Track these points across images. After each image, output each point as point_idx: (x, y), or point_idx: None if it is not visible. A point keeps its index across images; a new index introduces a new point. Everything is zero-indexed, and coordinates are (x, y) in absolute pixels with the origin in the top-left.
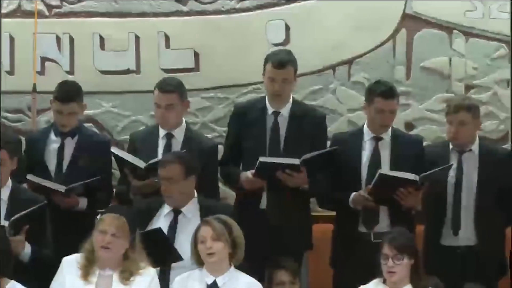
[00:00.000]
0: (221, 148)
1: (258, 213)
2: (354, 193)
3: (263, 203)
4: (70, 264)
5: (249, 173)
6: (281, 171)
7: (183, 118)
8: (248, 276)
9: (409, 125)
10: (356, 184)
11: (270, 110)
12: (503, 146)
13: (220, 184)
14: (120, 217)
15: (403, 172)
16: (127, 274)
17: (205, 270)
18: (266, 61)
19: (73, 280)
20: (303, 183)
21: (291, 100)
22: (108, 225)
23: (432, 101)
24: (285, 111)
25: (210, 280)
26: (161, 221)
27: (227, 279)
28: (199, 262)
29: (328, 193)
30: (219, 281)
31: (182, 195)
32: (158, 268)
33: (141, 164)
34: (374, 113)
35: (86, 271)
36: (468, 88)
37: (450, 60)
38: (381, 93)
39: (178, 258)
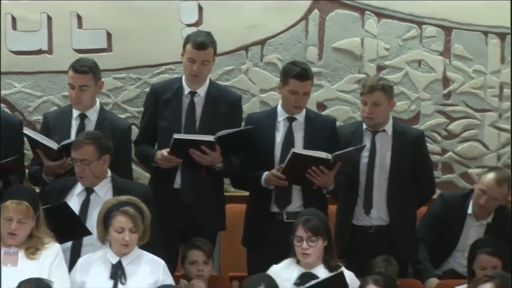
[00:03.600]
0: (134, 128)
1: (172, 192)
2: (267, 172)
3: (177, 183)
4: None
5: (164, 151)
6: (196, 149)
7: (96, 99)
8: (151, 254)
9: (321, 106)
10: (269, 164)
11: (186, 90)
12: (414, 126)
13: (134, 165)
14: (23, 203)
15: (316, 151)
16: (32, 250)
17: (110, 251)
18: (186, 41)
19: None
20: (217, 161)
21: (207, 81)
22: (13, 212)
23: (344, 82)
24: (202, 91)
25: (115, 260)
26: (74, 200)
27: (132, 259)
28: (105, 240)
29: (241, 173)
30: (124, 261)
31: (95, 175)
32: (70, 245)
33: (53, 145)
34: (288, 94)
35: None
36: (380, 68)
37: (362, 40)
38: (296, 75)
39: (86, 232)
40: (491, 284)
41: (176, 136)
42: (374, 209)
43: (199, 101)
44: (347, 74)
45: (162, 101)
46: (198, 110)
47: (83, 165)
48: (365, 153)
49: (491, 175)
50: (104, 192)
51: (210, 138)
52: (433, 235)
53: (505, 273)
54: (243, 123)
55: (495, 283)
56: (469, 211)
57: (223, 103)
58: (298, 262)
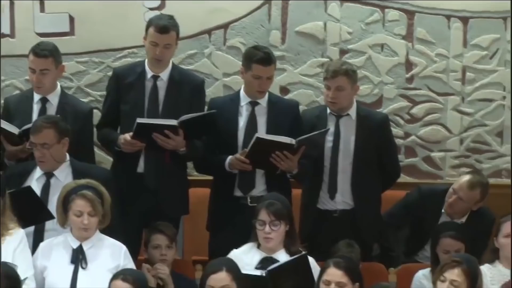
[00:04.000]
0: (96, 112)
1: (136, 177)
2: (230, 156)
3: (141, 167)
4: None
5: (127, 135)
6: (159, 133)
7: (57, 83)
8: (112, 239)
9: (284, 89)
10: (233, 148)
11: (149, 74)
12: (378, 110)
13: (96, 149)
14: None
15: (280, 136)
16: None
17: (71, 235)
18: (149, 25)
19: None
20: (180, 146)
21: (170, 64)
22: None
23: (307, 66)
24: (164, 75)
25: (75, 244)
26: (34, 185)
27: (93, 243)
28: (65, 224)
29: (205, 157)
30: (85, 246)
31: (55, 159)
32: (33, 230)
33: (14, 129)
34: (252, 79)
35: None
36: (342, 52)
37: (325, 24)
38: (259, 59)
39: (50, 216)
40: (459, 269)
41: (139, 120)
42: (338, 193)
43: (162, 85)
44: (310, 58)
45: (125, 85)
46: (161, 94)
47: (43, 149)
48: (329, 138)
49: (466, 177)
50: (64, 176)
51: (173, 122)
52: (404, 223)
53: (470, 256)
54: (206, 107)
55: (463, 268)
56: (444, 209)
57: (186, 87)
58: (258, 246)
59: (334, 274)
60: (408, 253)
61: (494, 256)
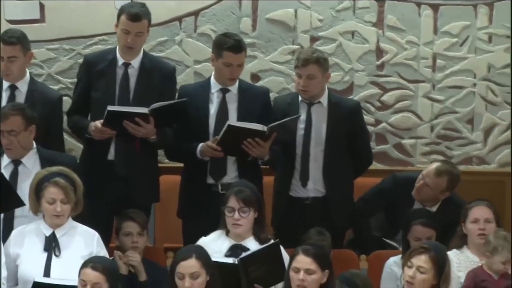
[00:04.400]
0: (66, 99)
1: (106, 164)
2: (202, 144)
3: (111, 154)
4: None
5: (98, 123)
6: (130, 121)
7: (26, 70)
8: (85, 226)
9: (255, 77)
10: (204, 135)
11: (120, 61)
12: (349, 97)
13: (67, 136)
14: None
15: (251, 123)
16: None
17: (43, 223)
18: (121, 13)
19: None
20: (151, 133)
21: (141, 52)
22: None
23: (278, 53)
24: (136, 63)
25: (48, 232)
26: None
27: (66, 231)
28: (38, 212)
29: (176, 145)
30: (58, 233)
31: (23, 146)
32: (2, 217)
33: None
34: (222, 67)
35: None
36: (313, 39)
37: (296, 11)
38: (230, 47)
39: (20, 203)
40: (426, 255)
41: (109, 108)
42: (310, 181)
43: (133, 72)
44: (281, 45)
45: (96, 72)
46: (132, 81)
47: (11, 136)
48: (301, 125)
49: (435, 164)
50: (31, 163)
51: (144, 110)
52: (378, 209)
53: (439, 244)
54: (177, 95)
55: (430, 255)
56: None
57: (157, 75)
58: (227, 233)
59: (303, 261)
60: (382, 240)
61: (462, 242)
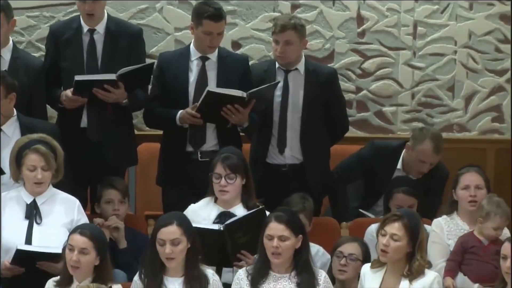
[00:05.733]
0: None
1: (79, 132)
2: (181, 111)
3: (84, 122)
4: None
5: (68, 92)
6: (99, 88)
7: (10, 38)
8: (65, 193)
9: (236, 44)
10: (183, 103)
11: (85, 28)
12: (329, 65)
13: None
14: None
15: (231, 89)
16: None
17: (24, 190)
18: None
19: None
20: (122, 98)
21: (106, 17)
22: None
23: (259, 20)
24: (101, 28)
25: (29, 199)
26: None
27: (47, 198)
28: (19, 179)
29: (155, 112)
30: (39, 201)
31: (2, 114)
32: None
33: None
34: (202, 35)
35: None
36: (294, 7)
37: None
38: (210, 15)
39: (1, 172)
40: (399, 223)
41: (77, 78)
42: (287, 148)
43: (99, 38)
44: (262, 12)
45: (62, 42)
46: (99, 47)
47: None
48: (278, 92)
49: (428, 143)
50: (11, 131)
51: (112, 76)
52: (357, 177)
53: (413, 211)
54: (150, 60)
55: (403, 222)
56: (399, 166)
57: (123, 38)
58: (215, 201)
59: (276, 228)
60: (361, 208)
61: (452, 208)
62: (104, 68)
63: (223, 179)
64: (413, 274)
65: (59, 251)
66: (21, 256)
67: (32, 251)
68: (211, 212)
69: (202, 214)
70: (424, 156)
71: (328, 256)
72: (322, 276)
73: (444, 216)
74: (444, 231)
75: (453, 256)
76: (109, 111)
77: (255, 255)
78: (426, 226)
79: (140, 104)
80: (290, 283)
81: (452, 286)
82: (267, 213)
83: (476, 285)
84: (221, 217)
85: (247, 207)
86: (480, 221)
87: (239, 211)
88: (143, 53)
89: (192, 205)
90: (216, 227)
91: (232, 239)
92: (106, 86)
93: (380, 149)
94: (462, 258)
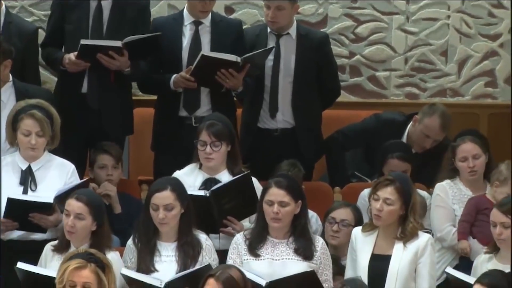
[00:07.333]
0: (40, 32)
1: (79, 97)
2: (175, 75)
3: (84, 88)
4: None
5: (72, 55)
6: (104, 54)
7: (2, 2)
8: (61, 159)
9: (229, 9)
10: (177, 68)
11: None
12: (322, 30)
13: (41, 69)
14: None
15: (225, 54)
16: None
17: (19, 155)
18: None
19: None
20: (125, 66)
21: None
22: None
23: None
24: None
25: (24, 165)
26: None
27: (42, 164)
28: (14, 144)
29: (149, 76)
30: (34, 167)
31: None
32: None
33: None
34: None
35: None
36: None
37: None
38: None
39: None
40: (392, 187)
41: (83, 42)
42: (279, 112)
43: (106, 5)
44: None
45: (69, 5)
46: (106, 14)
47: None
48: (270, 57)
49: (436, 119)
50: (7, 96)
51: (118, 43)
52: (355, 146)
53: (404, 174)
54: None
55: (396, 186)
56: (404, 139)
57: (130, 7)
58: (200, 167)
59: (277, 194)
60: (354, 173)
61: (454, 174)
62: (109, 35)
63: (208, 146)
64: (407, 236)
65: (51, 200)
66: (12, 207)
67: (23, 200)
68: (196, 179)
69: (187, 180)
70: (429, 131)
71: (320, 223)
72: (320, 242)
73: (448, 181)
74: (449, 196)
75: (465, 216)
76: (112, 79)
77: (241, 221)
78: (420, 191)
79: (142, 74)
80: (287, 248)
81: (469, 248)
82: (254, 179)
83: (485, 248)
84: (207, 184)
85: (232, 173)
86: (496, 184)
87: (225, 177)
88: (149, 23)
89: (177, 171)
90: (202, 193)
91: (218, 205)
92: (111, 53)
93: (385, 122)
94: (474, 219)
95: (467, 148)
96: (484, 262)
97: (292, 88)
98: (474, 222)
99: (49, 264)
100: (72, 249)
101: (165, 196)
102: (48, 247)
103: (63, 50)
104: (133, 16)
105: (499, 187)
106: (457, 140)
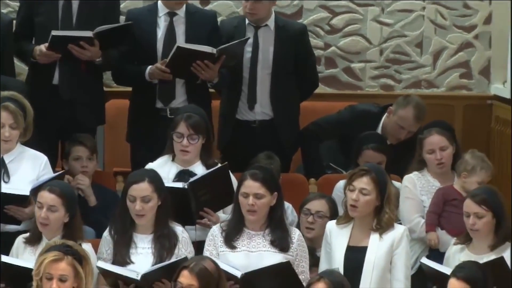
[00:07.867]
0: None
1: (51, 88)
2: (151, 66)
3: (56, 79)
4: None
5: (42, 47)
6: (75, 45)
7: None
8: (34, 150)
9: (204, 0)
10: (152, 59)
11: None
12: (298, 21)
13: (15, 61)
14: None
15: (201, 45)
16: None
17: None
18: None
19: None
20: (96, 56)
21: None
22: None
23: None
24: None
25: None
26: None
27: (15, 156)
28: None
29: (124, 68)
30: (7, 159)
31: None
32: None
33: None
34: None
35: None
36: None
37: None
38: None
39: None
40: (367, 177)
41: (54, 33)
42: (258, 104)
43: None
44: None
45: None
46: (75, 4)
47: None
48: (248, 48)
49: (410, 110)
50: None
51: (89, 34)
52: (330, 137)
53: (378, 165)
54: (122, 18)
55: (371, 176)
56: (379, 130)
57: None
58: (173, 159)
59: (252, 186)
60: (329, 165)
61: (421, 165)
62: (78, 26)
63: (185, 139)
64: (383, 227)
65: (27, 193)
66: None
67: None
68: (170, 170)
69: (161, 172)
70: (403, 122)
71: (296, 214)
72: (296, 234)
73: (416, 173)
74: (417, 187)
75: (433, 207)
76: (83, 68)
77: (217, 213)
78: (394, 182)
79: (114, 64)
80: (264, 240)
81: (437, 240)
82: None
83: (454, 239)
84: (181, 176)
85: (206, 165)
86: (464, 175)
87: (198, 169)
88: (119, 12)
89: (150, 163)
90: (180, 185)
91: (195, 197)
92: (82, 43)
93: (360, 114)
94: (442, 210)
95: (434, 140)
96: (456, 253)
97: (271, 80)
98: (441, 213)
99: (20, 257)
100: (44, 241)
101: (142, 188)
102: (19, 239)
103: (33, 42)
104: (103, 7)
105: (468, 177)
106: (424, 132)
